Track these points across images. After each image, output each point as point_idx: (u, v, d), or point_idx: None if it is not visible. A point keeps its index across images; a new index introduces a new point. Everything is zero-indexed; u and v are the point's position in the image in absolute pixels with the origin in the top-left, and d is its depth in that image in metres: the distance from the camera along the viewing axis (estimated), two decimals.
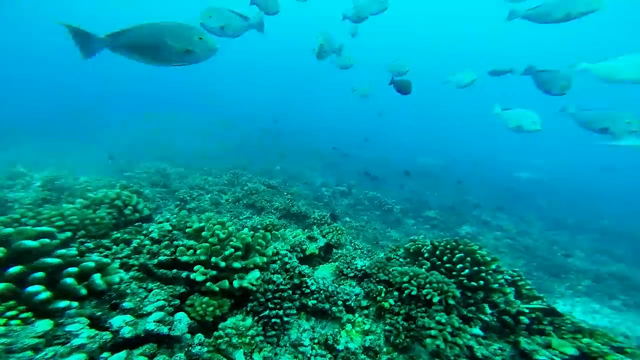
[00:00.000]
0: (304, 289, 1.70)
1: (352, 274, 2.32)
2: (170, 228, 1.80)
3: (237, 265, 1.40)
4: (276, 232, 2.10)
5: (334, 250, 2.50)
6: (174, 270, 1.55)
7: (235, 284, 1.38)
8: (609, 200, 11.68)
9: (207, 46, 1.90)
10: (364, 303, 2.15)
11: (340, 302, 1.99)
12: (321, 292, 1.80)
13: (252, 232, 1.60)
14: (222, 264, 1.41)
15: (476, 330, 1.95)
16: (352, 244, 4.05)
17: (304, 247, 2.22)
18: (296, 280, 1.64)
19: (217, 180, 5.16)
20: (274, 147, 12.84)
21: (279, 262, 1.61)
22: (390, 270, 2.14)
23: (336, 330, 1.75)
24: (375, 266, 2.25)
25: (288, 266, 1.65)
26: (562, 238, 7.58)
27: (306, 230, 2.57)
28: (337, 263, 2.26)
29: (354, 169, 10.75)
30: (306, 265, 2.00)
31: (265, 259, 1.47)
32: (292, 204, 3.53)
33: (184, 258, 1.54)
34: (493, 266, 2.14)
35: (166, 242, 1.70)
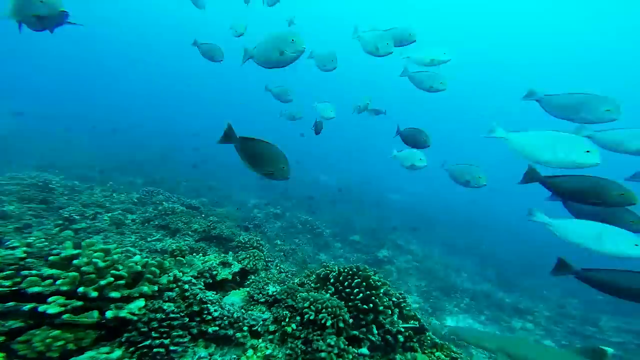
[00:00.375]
0: (205, 316, 1.71)
1: (263, 300, 2.39)
2: (23, 255, 1.50)
3: (115, 294, 1.30)
4: (181, 258, 2.05)
5: (249, 276, 2.55)
6: (11, 303, 1.28)
7: (109, 314, 1.27)
8: (489, 227, 14.36)
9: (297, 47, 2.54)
10: (272, 328, 2.23)
11: (245, 328, 2.03)
12: (224, 318, 1.83)
13: (145, 260, 1.54)
14: (94, 294, 1.27)
15: (363, 350, 2.22)
16: (278, 267, 4.11)
17: (215, 273, 2.23)
18: (195, 308, 1.64)
19: (125, 198, 4.51)
20: (200, 162, 12.23)
21: (177, 289, 1.59)
22: (297, 295, 2.30)
23: (235, 356, 1.79)
24: (285, 292, 2.38)
25: (187, 293, 1.65)
26: (454, 261, 8.99)
27: (222, 255, 2.57)
28: (248, 289, 2.32)
29: (288, 188, 10.94)
30: (213, 292, 2.00)
31: (155, 287, 1.43)
32: (213, 226, 3.42)
33: (34, 289, 1.31)
34: (382, 290, 2.49)
35: (9, 271, 1.38)
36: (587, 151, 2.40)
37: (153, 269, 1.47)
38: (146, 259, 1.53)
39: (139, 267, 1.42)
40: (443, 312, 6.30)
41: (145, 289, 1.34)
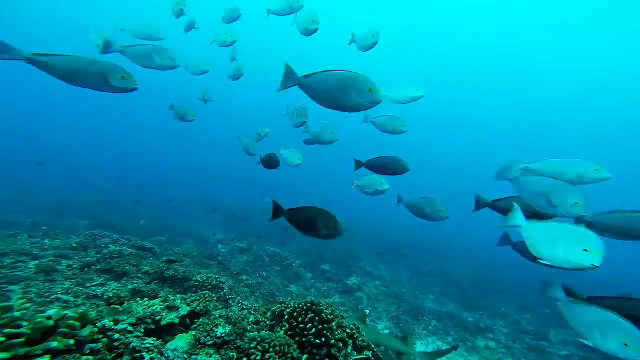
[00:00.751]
0: None
1: (210, 342, 2.26)
2: None
3: (4, 356, 1.15)
4: (117, 306, 1.91)
5: (199, 319, 2.42)
6: None
7: None
8: (453, 249, 14.92)
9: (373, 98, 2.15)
10: None
11: None
12: None
13: (64, 313, 1.41)
14: None
15: None
16: (240, 305, 3.91)
17: (158, 318, 2.09)
18: (126, 358, 1.52)
19: (59, 244, 4.00)
20: (148, 197, 11.69)
21: (104, 340, 1.47)
22: (246, 335, 2.21)
23: None
24: (234, 333, 2.28)
25: (117, 343, 1.53)
26: (421, 283, 9.12)
27: (171, 298, 2.43)
28: (194, 332, 2.19)
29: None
30: (154, 339, 1.87)
31: (71, 342, 1.31)
32: (167, 267, 3.21)
33: None
34: (334, 324, 2.48)
35: None
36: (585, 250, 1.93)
37: (71, 322, 1.35)
38: (65, 312, 1.41)
39: (51, 322, 1.30)
40: (412, 336, 6.23)
41: (55, 344, 1.22)
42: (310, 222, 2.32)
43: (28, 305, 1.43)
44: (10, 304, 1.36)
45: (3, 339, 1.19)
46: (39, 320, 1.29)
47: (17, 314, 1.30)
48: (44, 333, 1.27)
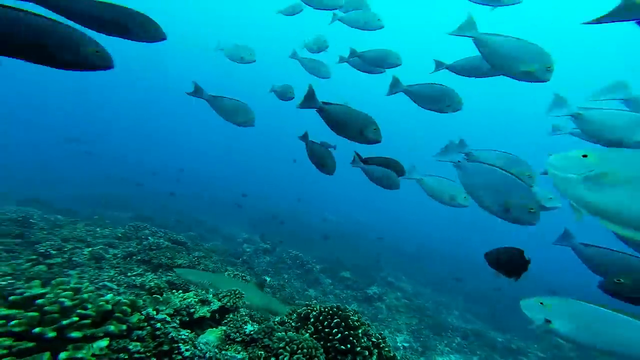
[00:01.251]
0: (175, 355, 1.62)
1: (239, 339, 2.28)
2: None
3: (76, 334, 1.23)
4: (158, 296, 1.99)
5: (228, 314, 2.45)
6: None
7: (63, 355, 1.18)
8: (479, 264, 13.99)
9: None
10: None
11: None
12: (195, 358, 1.74)
13: (118, 298, 1.49)
14: (51, 334, 1.19)
15: None
16: None
17: (192, 310, 2.15)
18: (165, 347, 1.56)
19: (108, 233, 4.32)
20: (185, 198, 12.14)
21: (148, 328, 1.53)
22: (274, 335, 2.20)
23: None
24: (262, 331, 2.28)
25: (159, 332, 1.58)
26: (445, 299, 8.62)
27: (202, 292, 2.49)
28: (225, 327, 2.22)
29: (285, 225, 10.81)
30: (188, 331, 1.92)
31: (124, 327, 1.37)
32: (198, 262, 3.34)
33: None
34: (360, 331, 2.40)
35: None
36: None
37: (124, 307, 1.43)
38: (119, 297, 1.50)
39: (109, 306, 1.38)
40: (434, 352, 5.89)
41: (112, 328, 1.30)
42: (342, 119, 2.24)
43: (91, 287, 1.54)
44: (80, 286, 1.47)
45: (77, 318, 1.29)
46: (101, 303, 1.38)
47: (85, 295, 1.41)
48: (103, 316, 1.36)
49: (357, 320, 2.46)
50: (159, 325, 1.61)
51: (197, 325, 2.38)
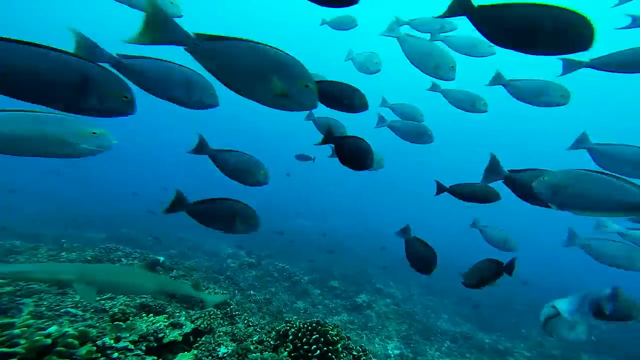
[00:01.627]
0: None
1: None
2: None
3: None
4: (120, 323, 1.86)
5: (201, 337, 2.33)
6: None
7: None
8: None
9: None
10: None
11: None
12: None
13: (65, 330, 1.37)
14: None
15: None
16: (246, 322, 3.77)
17: (160, 335, 2.02)
18: None
19: (75, 257, 3.98)
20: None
21: (102, 359, 1.41)
22: (248, 357, 2.10)
23: None
24: (236, 353, 2.17)
25: None
26: (433, 302, 8.62)
27: (177, 313, 2.36)
28: (196, 351, 2.10)
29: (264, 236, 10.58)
30: (154, 357, 1.80)
31: None
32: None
33: None
34: (339, 345, 2.33)
35: None
36: None
37: (70, 340, 1.31)
38: (67, 329, 1.38)
39: (49, 341, 1.26)
40: (425, 357, 5.82)
41: None
42: (235, 166, 2.02)
43: (31, 321, 1.40)
44: (12, 320, 1.34)
45: None
46: (37, 338, 1.25)
47: (17, 331, 1.27)
48: (40, 352, 1.23)
49: (336, 335, 2.39)
50: (116, 355, 1.49)
51: (168, 350, 2.25)
